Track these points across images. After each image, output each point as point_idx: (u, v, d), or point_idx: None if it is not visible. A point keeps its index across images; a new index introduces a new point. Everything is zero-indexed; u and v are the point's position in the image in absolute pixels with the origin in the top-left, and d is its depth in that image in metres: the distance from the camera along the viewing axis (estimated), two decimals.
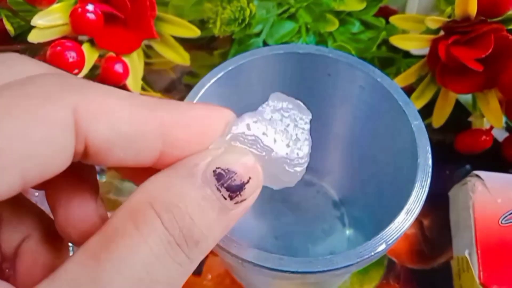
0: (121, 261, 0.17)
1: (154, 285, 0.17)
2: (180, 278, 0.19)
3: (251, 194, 0.20)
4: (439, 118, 0.47)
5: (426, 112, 0.47)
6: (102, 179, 0.50)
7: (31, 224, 0.23)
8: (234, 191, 0.19)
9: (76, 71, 0.41)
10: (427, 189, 0.29)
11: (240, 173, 0.19)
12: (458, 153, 0.50)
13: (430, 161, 0.30)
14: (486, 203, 0.42)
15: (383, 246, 0.27)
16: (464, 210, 0.44)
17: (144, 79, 0.47)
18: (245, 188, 0.19)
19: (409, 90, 0.46)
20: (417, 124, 0.31)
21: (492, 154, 0.49)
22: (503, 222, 0.41)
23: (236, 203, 0.19)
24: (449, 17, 0.43)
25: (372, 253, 0.27)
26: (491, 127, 0.47)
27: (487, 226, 0.41)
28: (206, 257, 0.44)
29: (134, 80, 0.46)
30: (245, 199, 0.20)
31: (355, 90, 0.36)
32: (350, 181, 0.43)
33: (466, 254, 0.41)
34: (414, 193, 0.29)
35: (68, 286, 0.16)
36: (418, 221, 0.47)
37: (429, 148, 0.30)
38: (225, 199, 0.19)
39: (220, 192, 0.19)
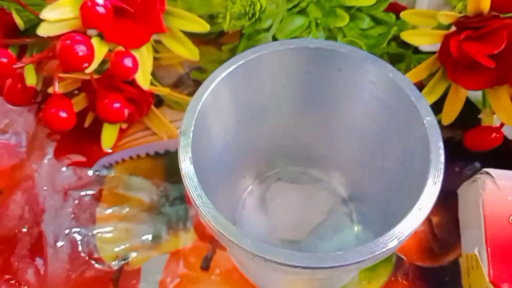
0: None
1: None
2: None
3: None
4: (449, 115, 0.47)
5: (435, 109, 0.46)
6: (110, 173, 0.50)
7: None
8: None
9: (85, 65, 0.40)
10: (439, 186, 0.29)
11: None
12: (467, 151, 0.50)
13: (442, 158, 0.30)
14: (496, 200, 0.42)
15: (395, 243, 0.27)
16: (474, 208, 0.43)
17: (152, 74, 0.47)
18: None
19: (419, 86, 0.46)
20: (430, 120, 0.31)
21: (502, 152, 0.49)
22: None
23: None
24: (460, 12, 0.43)
25: (384, 250, 0.27)
26: (501, 125, 0.47)
27: (497, 224, 0.41)
28: (214, 252, 0.45)
29: (143, 74, 0.45)
30: None
31: (366, 85, 0.35)
32: (359, 178, 0.43)
33: (476, 252, 0.41)
34: (426, 190, 0.29)
35: None
36: (427, 219, 0.47)
37: (441, 144, 0.30)
38: None
39: None
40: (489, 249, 0.40)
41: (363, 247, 0.27)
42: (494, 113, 0.46)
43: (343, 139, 0.41)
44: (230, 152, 0.39)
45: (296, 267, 0.26)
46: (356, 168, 0.42)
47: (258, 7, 0.44)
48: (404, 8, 0.53)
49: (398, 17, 0.48)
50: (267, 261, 0.27)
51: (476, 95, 0.50)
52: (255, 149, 0.42)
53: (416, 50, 0.51)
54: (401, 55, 0.51)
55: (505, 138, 0.49)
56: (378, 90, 0.35)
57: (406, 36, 0.44)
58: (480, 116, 0.49)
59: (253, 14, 0.45)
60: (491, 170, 0.44)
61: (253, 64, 0.35)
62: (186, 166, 0.30)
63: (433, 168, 0.29)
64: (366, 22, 0.50)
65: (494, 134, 0.47)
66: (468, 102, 0.49)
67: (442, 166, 0.30)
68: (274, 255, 0.26)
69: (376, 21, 0.50)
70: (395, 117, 0.34)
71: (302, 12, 0.48)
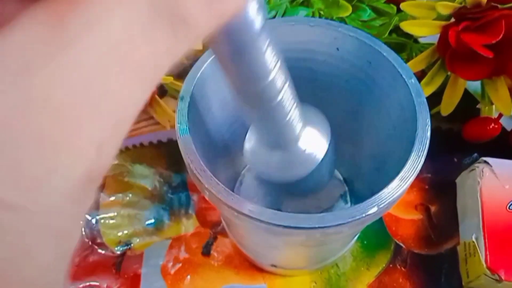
0: (93, 20, 0.13)
1: (132, 53, 0.14)
2: (163, 56, 0.14)
3: None
4: (448, 106, 0.48)
5: (435, 101, 0.47)
6: (114, 161, 0.51)
7: None
8: None
9: None
10: (423, 159, 0.30)
11: None
12: (466, 142, 0.51)
13: (428, 133, 0.30)
14: (494, 188, 0.43)
15: (374, 209, 0.28)
16: (472, 196, 0.44)
17: None
18: None
19: (420, 76, 0.46)
20: (420, 99, 0.32)
21: (500, 143, 0.50)
22: (511, 207, 0.42)
23: None
24: (460, 4, 0.44)
25: (363, 215, 0.27)
26: (500, 115, 0.48)
27: (495, 211, 0.42)
28: (215, 238, 0.46)
29: None
30: None
31: (363, 65, 0.36)
32: (353, 158, 0.43)
33: (473, 239, 0.42)
34: (409, 162, 0.29)
35: (24, 43, 0.13)
36: (425, 207, 0.48)
37: (428, 121, 0.31)
38: None
39: None
40: (486, 235, 0.41)
41: (343, 211, 0.28)
42: (492, 104, 0.47)
43: (338, 118, 0.41)
44: (228, 125, 0.40)
45: (277, 225, 0.27)
46: (351, 149, 0.42)
47: None
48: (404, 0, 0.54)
49: (399, 9, 0.49)
50: (251, 219, 0.27)
51: (474, 87, 0.51)
52: None
53: (417, 40, 0.51)
54: (402, 44, 0.51)
55: (503, 128, 0.49)
56: (373, 69, 0.35)
57: (406, 27, 0.44)
58: (478, 106, 0.49)
59: None
60: (489, 159, 0.44)
61: None
62: (182, 127, 0.31)
63: (418, 142, 0.30)
64: (368, 13, 0.51)
65: (492, 125, 0.48)
66: (467, 94, 0.50)
67: (427, 141, 0.30)
68: (257, 213, 0.27)
69: (378, 12, 0.51)
70: (388, 96, 0.35)
71: (306, 2, 0.49)
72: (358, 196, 0.45)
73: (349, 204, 0.45)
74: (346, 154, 0.43)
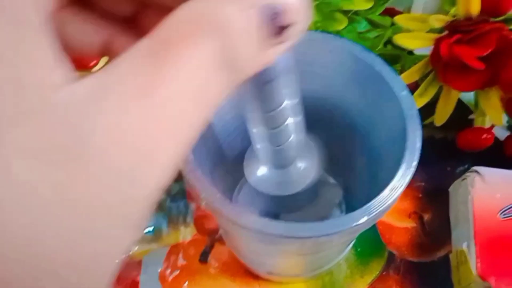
0: (178, 65, 0.16)
1: (200, 96, 0.17)
2: (216, 99, 0.18)
3: (294, 37, 0.20)
4: (441, 116, 0.48)
5: (429, 110, 0.48)
6: None
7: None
8: (280, 30, 0.19)
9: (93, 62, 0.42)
10: (413, 170, 0.30)
11: (291, 13, 0.18)
12: (459, 151, 0.52)
13: (418, 144, 0.31)
14: (485, 197, 0.44)
15: (364, 218, 0.28)
16: (464, 204, 0.45)
17: None
18: (290, 30, 0.19)
19: (414, 87, 0.47)
20: (410, 112, 0.32)
21: (494, 152, 0.51)
22: (502, 216, 0.42)
23: (278, 43, 0.19)
24: (453, 17, 0.45)
25: (354, 224, 0.28)
26: (493, 126, 0.49)
27: (486, 220, 0.43)
28: (213, 245, 0.46)
29: None
30: (285, 42, 0.19)
31: (357, 77, 0.36)
32: (350, 168, 0.43)
33: (464, 247, 0.42)
34: (400, 172, 0.30)
35: (126, 75, 0.16)
36: (419, 216, 0.49)
37: (419, 133, 0.31)
38: (271, 36, 0.18)
39: (268, 27, 0.18)
40: (477, 243, 0.41)
41: (334, 220, 0.28)
42: (485, 114, 0.48)
43: (333, 131, 0.41)
44: (226, 135, 0.40)
45: (270, 234, 0.28)
46: (346, 159, 0.43)
47: None
48: (400, 13, 0.54)
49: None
50: (245, 228, 0.28)
51: (468, 97, 0.52)
52: None
53: (412, 52, 0.52)
54: (396, 56, 0.52)
55: (496, 138, 0.50)
56: (366, 84, 0.36)
57: (400, 40, 0.45)
58: (471, 116, 0.50)
59: None
60: (480, 169, 0.45)
61: None
62: None
63: (408, 153, 0.31)
64: (363, 25, 0.52)
65: (485, 135, 0.49)
66: (461, 104, 0.51)
67: (417, 153, 0.31)
68: (251, 222, 0.28)
69: (373, 24, 0.52)
70: (379, 109, 0.36)
71: None
72: (354, 204, 0.45)
73: (344, 212, 0.46)
74: (343, 163, 0.43)
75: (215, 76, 0.17)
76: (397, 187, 0.30)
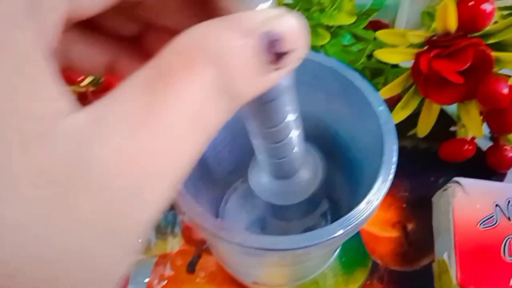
0: (177, 94, 0.17)
1: (198, 123, 0.18)
2: (215, 125, 0.19)
3: (293, 63, 0.20)
4: (424, 128, 0.49)
5: (412, 121, 0.49)
6: None
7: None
8: (279, 57, 0.19)
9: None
10: (389, 183, 0.31)
11: (290, 40, 0.19)
12: (443, 161, 0.53)
13: (394, 159, 0.32)
14: (466, 208, 0.44)
15: (340, 232, 0.29)
16: (445, 214, 0.46)
17: None
18: (289, 56, 0.19)
19: (397, 100, 0.48)
20: (387, 126, 0.33)
21: (477, 162, 0.52)
22: (482, 226, 0.43)
23: (277, 69, 0.19)
24: (433, 32, 0.45)
25: (329, 237, 0.28)
26: (474, 137, 0.50)
27: (466, 230, 0.43)
28: (200, 256, 0.47)
29: None
30: (285, 67, 0.20)
31: (337, 93, 0.37)
32: (333, 180, 0.44)
33: (445, 257, 0.43)
34: (375, 186, 0.31)
35: (127, 103, 0.16)
36: (403, 225, 0.49)
37: (395, 147, 0.32)
38: (269, 63, 0.19)
39: (266, 55, 0.18)
40: (457, 253, 0.42)
41: (311, 233, 0.29)
42: (464, 126, 0.49)
43: (319, 144, 0.42)
44: (213, 148, 0.41)
45: (249, 247, 0.28)
46: (331, 172, 0.44)
47: None
48: (386, 25, 0.55)
49: None
50: (225, 242, 0.29)
51: (452, 108, 0.53)
52: (240, 146, 0.43)
53: (395, 65, 0.53)
54: (380, 69, 0.53)
55: (479, 148, 0.51)
56: (345, 102, 0.37)
57: (381, 55, 0.46)
58: (452, 128, 0.51)
59: None
60: (461, 179, 0.46)
61: None
62: None
63: (384, 168, 0.31)
64: (347, 39, 0.53)
65: (467, 146, 0.50)
66: (445, 115, 0.52)
67: (393, 167, 0.32)
68: (232, 235, 0.29)
69: (357, 37, 0.53)
70: (359, 124, 0.36)
71: None
72: (337, 214, 0.46)
73: (329, 222, 0.47)
74: (328, 175, 0.44)
75: (213, 103, 0.18)
76: (372, 201, 0.30)
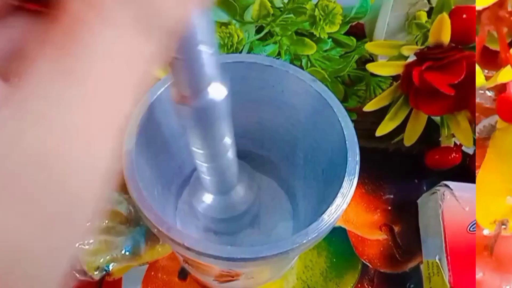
0: (97, 41, 0.15)
1: (131, 66, 0.16)
2: (147, 63, 0.17)
3: None
4: (411, 137, 0.51)
5: (400, 126, 0.50)
6: None
7: None
8: None
9: None
10: (348, 200, 0.31)
11: None
12: (427, 164, 0.54)
13: (356, 170, 0.32)
14: (455, 211, 0.46)
15: (304, 240, 0.29)
16: (434, 217, 0.47)
17: None
18: None
19: (384, 110, 0.49)
20: (348, 131, 0.34)
21: (461, 166, 0.53)
22: (471, 229, 0.45)
23: None
24: (417, 42, 0.47)
25: (293, 246, 0.29)
26: (461, 145, 0.51)
27: (456, 233, 0.45)
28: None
29: None
30: None
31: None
32: (301, 189, 0.45)
33: (437, 259, 0.45)
34: (337, 200, 0.31)
35: (39, 80, 0.15)
36: (390, 228, 0.51)
37: (357, 150, 0.33)
38: None
39: None
40: (449, 257, 0.44)
41: (275, 243, 0.29)
42: (453, 136, 0.50)
43: (287, 147, 0.43)
44: (179, 154, 0.41)
45: (212, 256, 0.29)
46: (295, 171, 0.44)
47: (235, 38, 0.47)
48: (361, 26, 0.56)
49: (358, 40, 0.52)
50: (188, 250, 0.29)
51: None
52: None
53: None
54: (361, 76, 0.54)
55: (464, 153, 0.53)
56: (309, 104, 0.37)
57: (372, 68, 0.47)
58: (440, 138, 0.52)
59: (231, 45, 0.47)
60: (449, 183, 0.47)
61: None
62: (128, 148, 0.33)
63: (346, 179, 0.32)
64: (329, 45, 0.53)
65: (453, 155, 0.51)
66: (431, 121, 0.52)
67: (353, 182, 0.32)
68: (193, 243, 0.29)
69: (338, 43, 0.53)
70: (322, 127, 0.37)
71: (271, 38, 0.51)
72: (302, 213, 0.45)
73: (293, 219, 0.46)
74: (293, 176, 0.45)
75: (140, 39, 0.16)
76: (331, 215, 0.31)
